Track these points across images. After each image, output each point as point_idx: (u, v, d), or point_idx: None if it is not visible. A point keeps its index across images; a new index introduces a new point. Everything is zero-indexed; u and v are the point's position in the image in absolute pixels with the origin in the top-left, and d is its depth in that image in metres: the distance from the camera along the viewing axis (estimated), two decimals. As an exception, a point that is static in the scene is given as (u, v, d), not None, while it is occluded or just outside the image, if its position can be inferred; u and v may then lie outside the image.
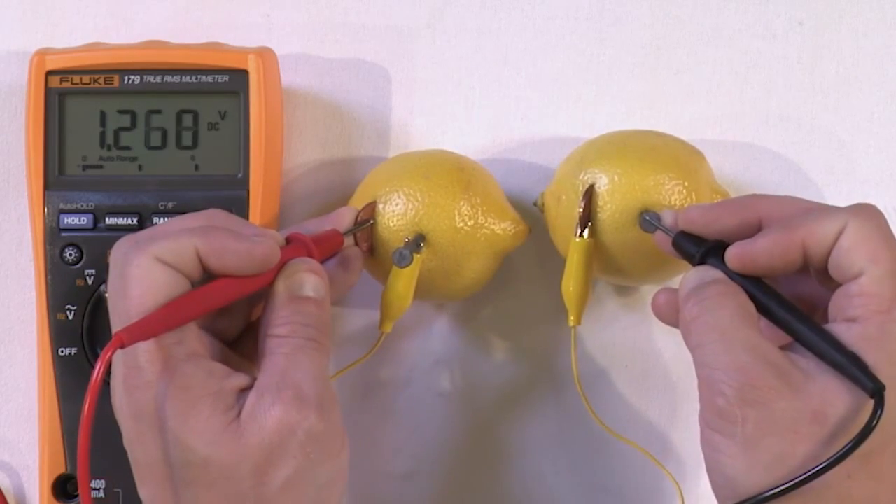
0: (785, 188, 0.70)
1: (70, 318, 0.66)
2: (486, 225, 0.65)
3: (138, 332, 0.54)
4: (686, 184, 0.64)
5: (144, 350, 0.54)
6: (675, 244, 0.60)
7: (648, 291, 0.70)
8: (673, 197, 0.63)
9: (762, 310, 0.56)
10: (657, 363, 0.71)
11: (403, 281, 0.64)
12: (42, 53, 0.66)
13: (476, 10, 0.72)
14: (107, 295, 0.57)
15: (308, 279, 0.58)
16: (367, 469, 0.71)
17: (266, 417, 0.54)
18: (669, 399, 0.71)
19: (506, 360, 0.71)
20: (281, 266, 0.58)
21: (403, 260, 0.63)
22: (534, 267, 0.70)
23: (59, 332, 0.66)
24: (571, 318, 0.65)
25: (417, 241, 0.64)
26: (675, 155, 0.65)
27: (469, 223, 0.64)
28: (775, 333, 0.56)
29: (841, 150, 0.71)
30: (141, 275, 0.54)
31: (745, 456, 0.53)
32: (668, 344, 0.71)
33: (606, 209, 0.64)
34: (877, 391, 0.52)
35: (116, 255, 0.56)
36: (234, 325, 0.61)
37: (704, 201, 0.64)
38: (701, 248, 0.58)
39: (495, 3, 0.72)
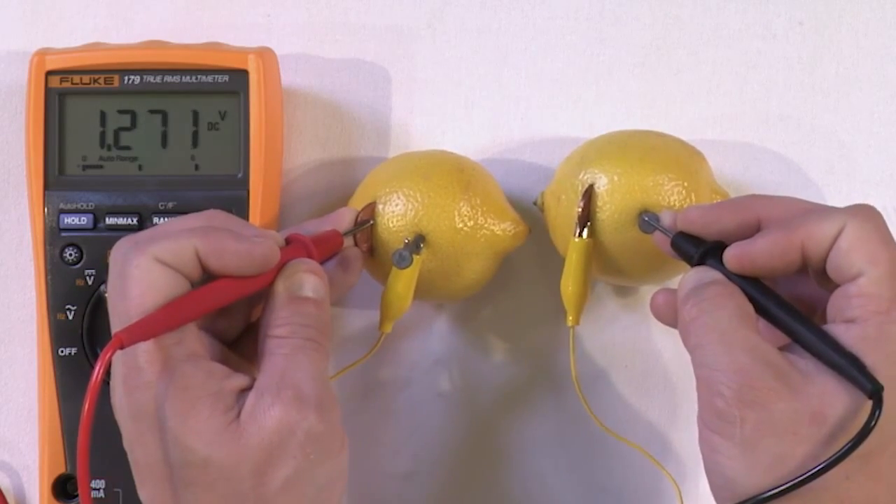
0: (785, 188, 0.70)
1: (70, 318, 0.66)
2: (485, 225, 0.65)
3: (138, 333, 0.54)
4: (686, 184, 0.64)
5: (144, 350, 0.54)
6: (674, 245, 0.60)
7: (648, 291, 0.70)
8: (672, 197, 0.63)
9: (760, 310, 0.56)
10: (657, 363, 0.71)
11: (403, 281, 0.64)
12: (42, 53, 0.66)
13: (476, 10, 0.72)
14: (107, 295, 0.57)
15: (307, 280, 0.58)
16: (367, 469, 0.71)
17: (266, 418, 0.54)
18: (669, 399, 0.71)
19: (505, 360, 0.71)
20: (281, 267, 0.58)
21: (403, 261, 0.63)
22: (534, 267, 0.70)
23: (59, 332, 0.66)
24: (570, 318, 0.65)
25: (417, 242, 0.64)
26: (676, 155, 0.65)
27: (469, 224, 0.64)
28: (773, 334, 0.56)
29: (841, 150, 0.71)
30: (140, 275, 0.54)
31: (744, 457, 0.53)
32: (668, 344, 0.71)
33: (606, 209, 0.64)
34: (875, 392, 0.52)
35: (116, 255, 0.56)
36: (233, 325, 0.61)
37: (704, 202, 0.64)
38: (699, 248, 0.58)
39: (495, 3, 0.72)
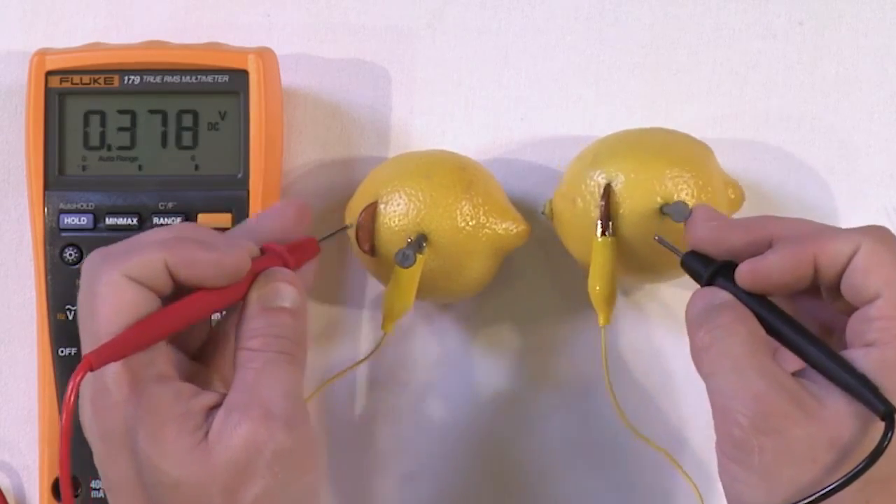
0: (785, 188, 0.70)
1: (70, 318, 0.66)
2: (487, 225, 0.65)
3: (107, 355, 0.52)
4: (701, 176, 0.64)
5: (112, 372, 0.53)
6: (684, 264, 0.59)
7: (650, 291, 0.70)
8: (689, 189, 0.63)
9: (772, 332, 0.55)
10: (660, 362, 0.71)
11: (406, 281, 0.64)
12: (42, 53, 0.66)
13: (476, 10, 0.72)
14: (77, 309, 0.56)
15: (282, 289, 0.57)
16: (367, 469, 0.71)
17: (233, 437, 0.53)
18: (672, 399, 0.71)
19: (507, 360, 0.71)
20: (254, 277, 0.57)
21: (407, 260, 0.63)
22: (536, 266, 0.70)
23: (59, 333, 0.66)
24: (601, 317, 0.65)
25: (420, 241, 0.64)
26: (687, 149, 0.65)
27: (471, 223, 0.64)
28: (785, 360, 0.55)
29: (841, 149, 0.71)
30: (109, 293, 0.53)
31: (764, 486, 0.52)
32: (668, 344, 0.71)
33: (625, 205, 0.64)
34: (888, 413, 0.51)
35: (86, 270, 0.55)
36: (195, 334, 0.59)
37: (718, 193, 0.64)
38: (709, 267, 0.57)
39: (495, 3, 0.72)
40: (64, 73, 0.66)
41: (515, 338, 0.71)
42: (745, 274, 0.56)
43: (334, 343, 0.71)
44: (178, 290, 0.55)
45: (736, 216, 0.66)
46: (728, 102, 0.71)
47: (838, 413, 0.52)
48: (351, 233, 0.66)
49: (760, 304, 0.56)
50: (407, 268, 0.63)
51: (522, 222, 0.66)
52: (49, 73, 0.66)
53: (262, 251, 0.58)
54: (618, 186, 0.64)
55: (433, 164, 0.66)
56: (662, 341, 0.71)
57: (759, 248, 0.56)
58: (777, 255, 0.55)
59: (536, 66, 0.72)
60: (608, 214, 0.64)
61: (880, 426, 0.52)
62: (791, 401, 0.53)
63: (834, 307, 0.56)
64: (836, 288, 0.55)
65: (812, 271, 0.55)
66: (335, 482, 0.71)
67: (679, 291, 0.69)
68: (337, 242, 0.69)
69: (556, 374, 0.71)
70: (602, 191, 0.64)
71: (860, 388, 0.52)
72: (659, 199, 0.63)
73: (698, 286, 0.58)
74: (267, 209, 0.61)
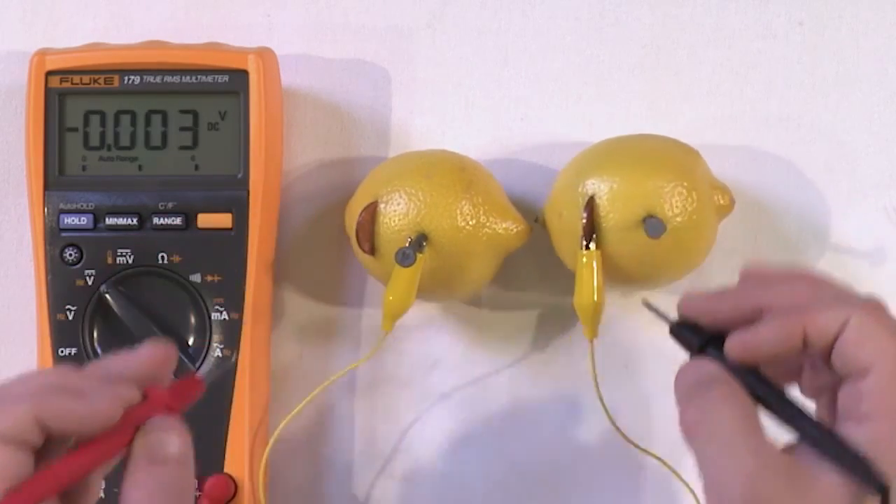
0: (785, 188, 0.70)
1: (70, 318, 0.66)
2: (487, 224, 0.65)
3: None
4: (685, 183, 0.64)
5: None
6: (673, 332, 0.58)
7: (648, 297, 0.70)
8: (674, 198, 0.63)
9: (763, 405, 0.54)
10: (654, 370, 0.71)
11: (405, 281, 0.64)
12: (42, 53, 0.66)
13: (476, 10, 0.72)
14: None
15: (165, 439, 0.54)
16: (367, 469, 0.71)
17: None
18: (668, 401, 0.71)
19: (507, 360, 0.71)
20: (138, 425, 0.53)
21: (407, 259, 0.63)
22: (536, 267, 0.70)
23: (59, 333, 0.66)
24: (587, 331, 0.65)
25: (420, 241, 0.64)
26: (671, 156, 0.65)
27: (471, 223, 0.64)
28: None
29: (841, 150, 0.71)
30: None
31: None
32: (666, 345, 0.70)
33: (609, 218, 0.64)
34: (882, 490, 0.50)
35: None
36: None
37: (704, 200, 0.64)
38: (699, 338, 0.56)
39: (495, 3, 0.72)
40: (64, 73, 0.66)
41: (516, 338, 0.71)
42: (734, 347, 0.55)
43: (334, 343, 0.71)
44: (52, 439, 0.52)
45: (731, 219, 0.67)
46: (728, 103, 0.71)
47: (832, 490, 0.51)
48: (351, 233, 0.66)
49: (752, 377, 0.54)
50: (407, 267, 0.63)
51: (522, 222, 0.66)
52: (49, 73, 0.66)
53: (145, 395, 0.54)
54: (601, 199, 0.64)
55: (433, 164, 0.66)
56: (660, 347, 0.70)
57: (750, 318, 0.55)
58: (766, 329, 0.54)
59: (536, 66, 0.72)
60: (591, 228, 0.64)
61: (875, 502, 0.51)
62: (783, 480, 0.51)
63: (824, 375, 0.55)
64: (826, 359, 0.54)
65: (801, 343, 0.54)
66: (335, 482, 0.71)
67: (676, 299, 0.69)
68: (337, 242, 0.70)
69: (556, 375, 0.71)
70: (585, 203, 0.64)
71: (854, 463, 0.51)
72: (642, 211, 0.63)
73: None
74: (133, 351, 0.56)
